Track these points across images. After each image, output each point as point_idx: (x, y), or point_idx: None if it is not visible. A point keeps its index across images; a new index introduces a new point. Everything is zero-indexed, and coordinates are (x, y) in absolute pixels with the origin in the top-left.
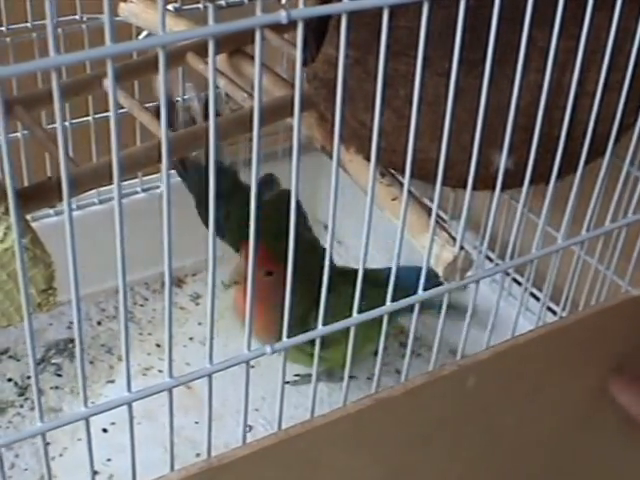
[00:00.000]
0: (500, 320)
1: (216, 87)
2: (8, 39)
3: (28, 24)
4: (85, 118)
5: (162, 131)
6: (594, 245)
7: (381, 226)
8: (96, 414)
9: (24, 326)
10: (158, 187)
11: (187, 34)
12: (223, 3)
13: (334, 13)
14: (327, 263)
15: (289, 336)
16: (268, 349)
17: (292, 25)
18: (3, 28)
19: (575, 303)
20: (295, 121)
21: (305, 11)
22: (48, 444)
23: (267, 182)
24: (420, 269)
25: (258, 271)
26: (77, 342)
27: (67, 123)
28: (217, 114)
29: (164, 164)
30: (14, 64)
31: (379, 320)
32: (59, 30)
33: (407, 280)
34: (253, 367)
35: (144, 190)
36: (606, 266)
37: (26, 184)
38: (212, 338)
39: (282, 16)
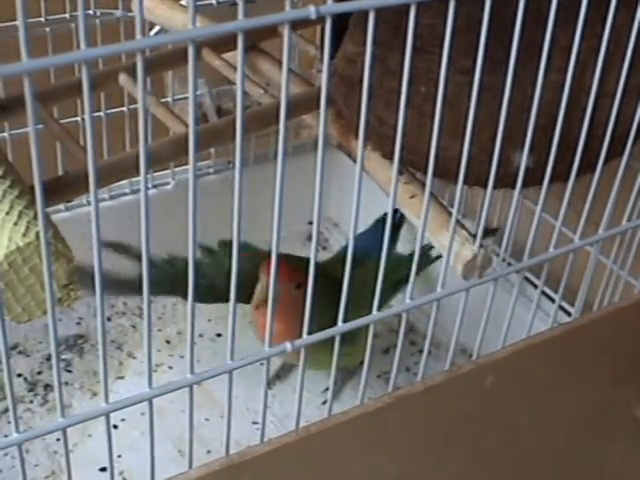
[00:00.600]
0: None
1: (230, 83)
2: (48, 29)
3: (42, 19)
4: (97, 114)
5: (190, 124)
6: (608, 245)
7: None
8: (117, 410)
9: (34, 322)
10: (168, 183)
11: (216, 28)
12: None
13: (362, 9)
14: (349, 256)
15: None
16: (289, 346)
17: (317, 21)
18: (42, 19)
19: (589, 303)
20: (321, 118)
21: (334, 7)
22: (58, 440)
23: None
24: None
25: (288, 286)
26: (100, 339)
27: (79, 118)
28: (229, 111)
29: (191, 157)
30: (43, 57)
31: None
32: (72, 25)
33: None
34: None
35: (154, 186)
36: (620, 266)
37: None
38: (234, 335)
39: (311, 12)
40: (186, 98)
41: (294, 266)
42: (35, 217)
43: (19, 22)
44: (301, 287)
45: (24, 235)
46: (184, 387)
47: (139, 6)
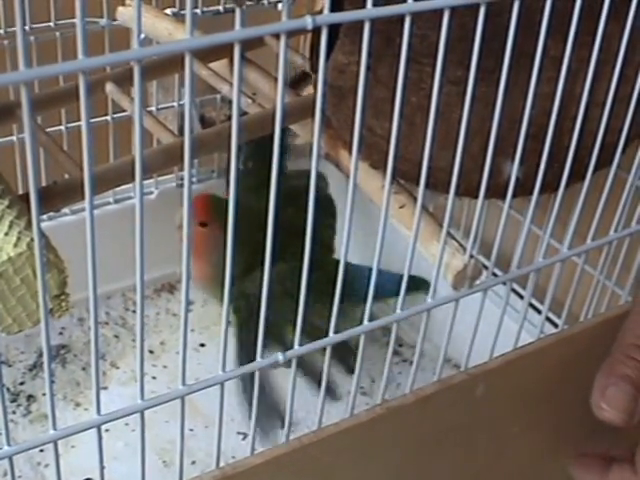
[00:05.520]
0: (494, 330)
1: (214, 92)
2: (6, 42)
3: (27, 27)
4: (77, 123)
5: (186, 133)
6: (595, 256)
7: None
8: (109, 421)
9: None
10: (152, 193)
11: (213, 39)
12: (221, 9)
13: (358, 19)
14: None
15: None
16: (280, 357)
17: (312, 31)
18: (1, 31)
19: (575, 314)
20: (315, 129)
21: (330, 17)
22: (42, 451)
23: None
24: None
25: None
26: (92, 350)
27: (63, 127)
28: (212, 120)
29: (186, 166)
30: (39, 66)
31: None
32: (57, 34)
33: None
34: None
35: None
36: (606, 276)
37: (21, 188)
38: (226, 346)
39: (307, 22)
40: (170, 107)
41: (209, 206)
42: (26, 227)
43: (17, 28)
44: (205, 226)
45: (15, 245)
46: (176, 398)
47: (137, 17)
